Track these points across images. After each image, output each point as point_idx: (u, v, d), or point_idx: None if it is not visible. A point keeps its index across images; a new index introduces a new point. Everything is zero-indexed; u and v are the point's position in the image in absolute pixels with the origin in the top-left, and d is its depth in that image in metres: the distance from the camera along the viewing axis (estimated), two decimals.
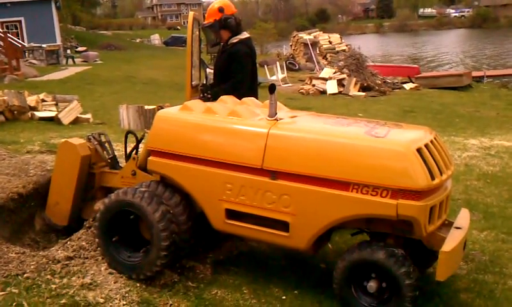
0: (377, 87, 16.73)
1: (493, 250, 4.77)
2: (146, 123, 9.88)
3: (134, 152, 4.72)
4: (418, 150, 3.43)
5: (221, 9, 5.18)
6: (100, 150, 4.85)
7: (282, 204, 3.70)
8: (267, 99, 4.02)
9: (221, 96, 4.56)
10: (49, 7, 30.49)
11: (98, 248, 4.24)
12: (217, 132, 3.94)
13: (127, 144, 4.93)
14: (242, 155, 3.81)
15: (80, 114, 10.69)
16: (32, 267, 4.02)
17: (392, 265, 3.45)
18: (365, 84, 16.72)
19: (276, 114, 3.89)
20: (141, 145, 4.78)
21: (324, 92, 16.56)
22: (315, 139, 3.67)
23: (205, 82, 5.63)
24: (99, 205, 4.55)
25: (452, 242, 3.53)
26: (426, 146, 3.54)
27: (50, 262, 4.10)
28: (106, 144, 4.96)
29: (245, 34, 5.42)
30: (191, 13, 4.97)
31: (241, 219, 3.89)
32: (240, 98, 4.56)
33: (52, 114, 10.33)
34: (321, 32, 29.26)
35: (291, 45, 27.99)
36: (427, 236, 3.57)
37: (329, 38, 27.75)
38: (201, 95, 5.38)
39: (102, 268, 4.09)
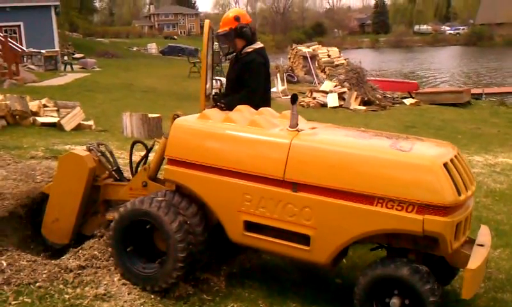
0: (377, 102, 16.74)
1: (509, 268, 4.71)
2: (149, 131, 9.80)
3: (143, 162, 4.64)
4: (445, 165, 3.39)
5: (237, 18, 5.14)
6: (104, 161, 4.68)
7: (303, 217, 3.64)
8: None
9: (237, 106, 4.50)
10: (49, 13, 30.46)
11: (111, 258, 4.16)
12: (237, 142, 3.87)
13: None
14: (262, 165, 3.74)
15: (83, 120, 10.59)
16: (44, 275, 3.94)
17: (416, 282, 3.38)
18: (366, 98, 16.73)
19: (297, 125, 3.83)
20: (150, 155, 4.70)
21: (324, 105, 16.55)
22: (339, 151, 3.61)
23: (218, 92, 5.57)
24: (112, 215, 4.47)
25: (477, 259, 3.48)
26: (451, 161, 3.49)
27: (63, 271, 4.02)
28: (108, 155, 4.78)
29: (259, 44, 5.38)
30: (206, 22, 4.89)
31: (260, 231, 3.81)
32: (253, 108, 4.50)
33: (54, 119, 10.22)
34: (320, 45, 29.34)
35: (290, 58, 28.01)
36: (451, 253, 3.51)
37: (328, 51, 27.79)
38: (215, 104, 5.32)
39: (115, 279, 4.01)
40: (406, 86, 22.04)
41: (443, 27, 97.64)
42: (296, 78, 23.92)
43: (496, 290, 4.26)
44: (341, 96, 16.66)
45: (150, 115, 9.94)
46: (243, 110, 4.34)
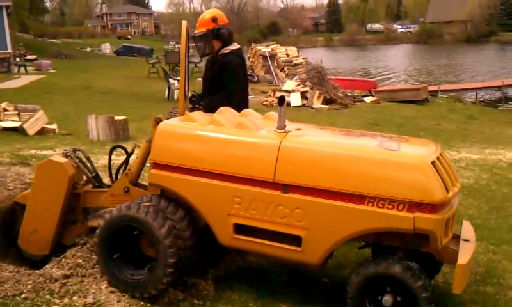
0: (339, 100, 16.95)
1: (487, 261, 4.85)
2: (116, 134, 9.63)
3: (123, 167, 4.56)
4: (433, 163, 3.46)
5: (214, 19, 5.11)
6: (83, 168, 4.55)
7: (295, 219, 3.65)
8: None
9: (220, 108, 4.47)
10: (0, 14, 29.44)
11: (97, 265, 4.07)
12: (225, 145, 3.85)
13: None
14: (252, 168, 3.73)
15: (46, 124, 10.31)
16: (29, 286, 3.84)
17: (408, 279, 3.44)
18: (328, 97, 16.90)
19: (285, 126, 3.84)
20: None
21: (288, 104, 16.63)
22: (329, 152, 3.63)
23: (195, 93, 5.51)
24: (95, 222, 4.37)
25: (466, 254, 3.57)
26: (438, 159, 3.57)
27: (48, 281, 3.92)
28: (85, 161, 4.64)
29: (236, 45, 5.35)
30: (184, 23, 4.83)
31: (250, 234, 3.81)
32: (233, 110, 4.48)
33: (16, 124, 9.92)
34: (278, 45, 29.45)
35: (249, 57, 28.01)
36: (439, 250, 3.59)
37: (287, 50, 27.93)
38: (192, 106, 5.27)
39: (103, 287, 3.93)
40: (365, 84, 22.41)
41: (395, 25, 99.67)
42: (256, 78, 23.91)
43: (478, 283, 4.39)
44: (303, 95, 16.78)
45: (117, 117, 9.76)
46: (226, 113, 4.32)
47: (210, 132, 3.92)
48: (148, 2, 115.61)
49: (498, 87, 24.19)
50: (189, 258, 3.97)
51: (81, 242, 4.34)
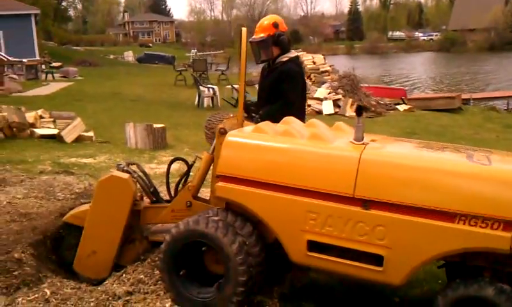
0: (373, 108, 16.68)
1: None
2: (155, 142, 9.50)
3: (183, 181, 4.36)
4: None
5: (275, 25, 4.93)
6: (142, 183, 4.33)
7: (376, 237, 3.40)
8: None
9: (285, 118, 4.26)
10: (29, 22, 29.83)
11: (159, 282, 3.89)
12: (299, 157, 3.62)
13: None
14: (329, 182, 3.50)
15: (82, 132, 10.23)
16: (92, 304, 3.66)
17: (502, 303, 3.18)
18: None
19: (363, 138, 3.62)
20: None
21: (319, 112, 16.42)
22: (414, 165, 3.39)
23: (250, 102, 5.34)
24: (157, 237, 4.19)
25: None
26: None
27: (111, 298, 3.74)
28: (142, 175, 4.43)
29: (294, 53, 5.18)
30: (244, 29, 4.64)
31: (325, 252, 3.58)
32: None
33: (53, 131, 9.86)
34: (305, 52, 29.22)
35: None
36: None
37: (313, 58, 27.70)
38: (248, 115, 5.08)
39: (167, 305, 3.74)
40: (394, 92, 22.09)
41: (417, 33, 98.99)
42: None
43: None
44: (336, 103, 16.54)
45: (155, 125, 9.63)
46: (293, 123, 4.11)
47: (282, 143, 3.70)
48: (169, 11, 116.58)
49: None
50: (259, 276, 3.76)
51: (142, 257, 4.15)
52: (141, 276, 3.97)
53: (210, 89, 17.71)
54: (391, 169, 3.41)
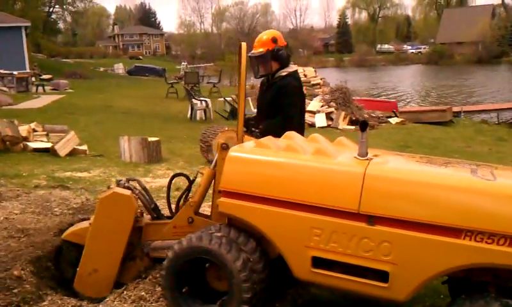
0: None
1: None
2: (149, 155, 9.44)
3: (184, 196, 4.32)
4: None
5: (274, 40, 4.96)
6: (144, 199, 4.29)
7: (381, 253, 3.38)
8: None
9: (287, 133, 4.26)
10: (19, 34, 29.72)
11: (160, 299, 3.85)
12: (304, 172, 3.60)
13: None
14: (334, 197, 3.48)
15: (76, 145, 10.15)
16: None
17: None
18: (354, 118, 16.71)
19: (367, 153, 3.61)
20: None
21: (312, 125, 16.44)
22: (420, 181, 3.38)
23: (249, 117, 5.33)
24: (158, 253, 4.14)
25: None
26: None
27: None
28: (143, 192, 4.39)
29: (293, 67, 5.20)
30: (243, 44, 4.63)
31: (330, 268, 3.56)
32: None
33: (47, 144, 9.77)
34: (296, 65, 29.24)
35: None
36: None
37: (304, 71, 27.78)
38: (247, 130, 5.08)
39: None
40: (385, 105, 22.18)
41: (405, 46, 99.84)
42: None
43: None
44: (328, 116, 16.58)
45: (150, 139, 9.58)
46: (295, 138, 4.11)
47: (287, 158, 3.69)
48: (159, 23, 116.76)
49: None
50: (262, 293, 3.73)
51: (143, 274, 4.10)
52: (142, 293, 3.93)
53: (203, 102, 17.70)
54: (396, 184, 3.40)
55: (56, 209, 5.40)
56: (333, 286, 3.79)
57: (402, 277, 3.37)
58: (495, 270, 3.34)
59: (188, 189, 4.34)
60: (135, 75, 51.70)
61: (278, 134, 4.23)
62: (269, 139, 4.04)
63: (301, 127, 5.06)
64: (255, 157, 3.78)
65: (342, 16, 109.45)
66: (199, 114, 17.54)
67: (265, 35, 5.06)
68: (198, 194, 4.16)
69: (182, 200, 4.30)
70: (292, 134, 4.21)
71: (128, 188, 4.16)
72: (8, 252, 4.17)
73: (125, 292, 3.95)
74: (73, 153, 9.83)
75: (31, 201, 5.62)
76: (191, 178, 4.38)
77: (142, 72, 53.60)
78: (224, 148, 4.02)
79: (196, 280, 3.81)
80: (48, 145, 9.71)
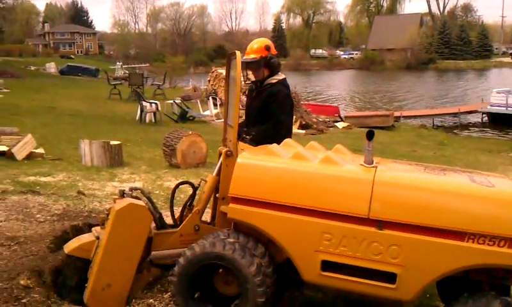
0: (315, 126, 17.09)
1: None
2: (111, 159, 9.30)
3: (189, 204, 4.35)
4: None
5: (267, 48, 5.13)
6: (152, 209, 4.18)
7: (390, 256, 3.58)
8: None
9: (285, 140, 4.40)
10: None
11: (168, 305, 3.87)
12: (315, 179, 3.75)
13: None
14: (344, 203, 3.65)
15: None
16: None
17: None
18: (304, 122, 17.02)
19: (373, 161, 3.81)
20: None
21: None
22: (425, 187, 3.60)
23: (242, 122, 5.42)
24: (164, 260, 4.14)
25: None
26: None
27: None
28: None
29: (281, 75, 5.35)
30: (238, 53, 4.70)
31: (339, 271, 3.72)
32: (280, 140, 4.39)
33: (3, 148, 9.38)
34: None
35: (209, 80, 27.93)
36: None
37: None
38: (238, 136, 5.16)
39: None
40: (328, 109, 22.77)
41: (338, 51, 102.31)
42: (220, 101, 23.80)
43: None
44: None
45: (112, 142, 9.43)
46: (297, 146, 4.26)
47: (297, 165, 3.82)
48: (91, 22, 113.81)
49: (455, 114, 25.17)
50: (272, 296, 3.83)
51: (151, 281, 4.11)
52: (151, 300, 3.95)
53: (153, 105, 17.52)
54: (404, 190, 3.61)
55: (38, 216, 5.28)
56: (341, 288, 3.94)
57: (409, 278, 3.58)
58: (491, 269, 3.60)
59: (192, 197, 4.36)
60: (67, 75, 50.21)
61: (269, 140, 4.35)
62: (278, 147, 4.14)
63: (290, 132, 5.19)
64: (266, 164, 3.89)
65: (277, 20, 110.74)
66: (148, 117, 17.35)
67: (257, 43, 5.19)
68: (201, 202, 4.20)
69: (186, 208, 4.33)
70: (291, 142, 4.36)
71: (135, 198, 4.09)
72: (6, 262, 4.06)
73: (133, 301, 3.94)
74: (30, 156, 9.52)
75: (10, 207, 5.46)
76: (195, 185, 4.41)
77: (75, 72, 52.21)
78: (229, 155, 4.11)
79: (204, 285, 3.87)
80: (5, 149, 9.34)
